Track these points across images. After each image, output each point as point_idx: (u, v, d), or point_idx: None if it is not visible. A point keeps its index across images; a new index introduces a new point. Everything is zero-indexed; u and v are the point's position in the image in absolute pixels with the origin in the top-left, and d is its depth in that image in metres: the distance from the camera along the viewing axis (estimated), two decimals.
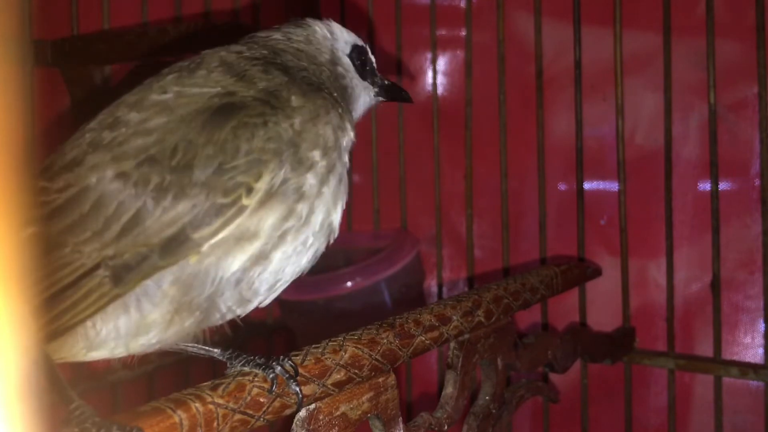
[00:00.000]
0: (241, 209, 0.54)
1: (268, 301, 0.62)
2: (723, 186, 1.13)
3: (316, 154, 0.59)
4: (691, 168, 1.18)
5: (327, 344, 0.65)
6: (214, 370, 0.82)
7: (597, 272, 1.08)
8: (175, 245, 0.53)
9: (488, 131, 1.27)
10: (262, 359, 0.60)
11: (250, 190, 0.54)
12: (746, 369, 1.09)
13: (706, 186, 1.14)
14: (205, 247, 0.53)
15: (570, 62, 1.19)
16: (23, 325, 0.28)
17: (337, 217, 0.62)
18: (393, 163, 1.37)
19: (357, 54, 0.71)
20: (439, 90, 1.35)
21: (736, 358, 1.15)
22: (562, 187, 1.27)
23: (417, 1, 1.35)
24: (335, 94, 0.66)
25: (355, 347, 0.66)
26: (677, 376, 1.15)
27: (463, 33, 1.29)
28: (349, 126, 0.65)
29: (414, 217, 1.38)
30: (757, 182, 1.12)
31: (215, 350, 0.63)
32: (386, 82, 0.75)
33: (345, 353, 0.65)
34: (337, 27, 0.71)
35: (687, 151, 1.18)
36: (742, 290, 1.15)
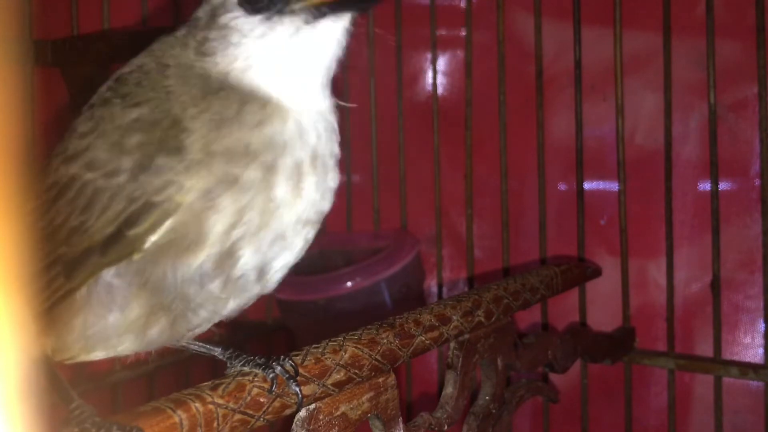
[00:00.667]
0: (175, 208, 0.54)
1: (267, 290, 0.62)
2: (723, 186, 1.13)
3: (239, 166, 0.55)
4: (691, 168, 1.18)
5: (327, 344, 0.65)
6: (214, 370, 0.82)
7: (597, 272, 1.08)
8: (114, 243, 0.54)
9: (488, 131, 1.27)
10: (262, 359, 0.60)
11: (182, 190, 0.54)
12: (746, 369, 1.09)
13: (706, 186, 1.14)
14: (147, 245, 0.54)
15: (570, 62, 1.19)
16: (23, 325, 0.28)
17: (307, 208, 0.59)
18: (393, 163, 1.37)
19: None
20: (439, 90, 1.35)
21: (736, 358, 1.15)
22: (562, 187, 1.27)
23: (417, 1, 1.35)
24: (235, 68, 0.57)
25: (355, 347, 0.66)
26: (677, 376, 1.15)
27: (463, 33, 1.29)
28: (264, 110, 0.57)
29: (414, 217, 1.38)
30: (757, 182, 1.12)
31: (216, 349, 0.64)
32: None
33: (345, 353, 0.65)
34: None
35: (687, 151, 1.18)
36: (742, 290, 1.15)
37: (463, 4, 1.30)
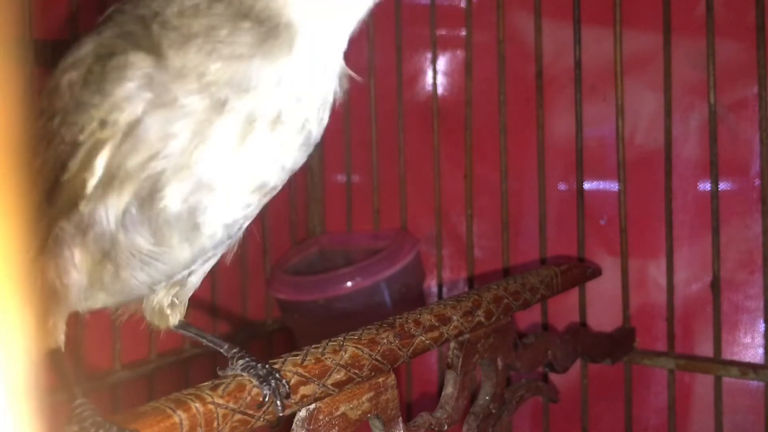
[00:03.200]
0: (99, 144, 0.51)
1: (213, 243, 0.57)
2: (723, 186, 1.13)
3: (184, 91, 0.50)
4: (691, 168, 1.18)
5: (327, 344, 0.65)
6: (214, 370, 0.82)
7: (597, 272, 1.08)
8: (56, 191, 0.53)
9: (488, 131, 1.27)
10: (264, 369, 0.59)
11: (105, 124, 0.50)
12: (746, 369, 1.09)
13: (706, 186, 1.14)
14: (89, 190, 0.52)
15: (570, 62, 1.19)
16: (25, 323, 0.28)
17: (246, 166, 0.52)
18: (393, 163, 1.37)
19: None
20: (439, 90, 1.35)
21: (736, 358, 1.15)
22: (562, 187, 1.27)
23: (417, 1, 1.35)
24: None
25: (355, 347, 0.66)
26: (677, 376, 1.15)
27: (463, 33, 1.29)
28: (292, 48, 0.52)
29: (414, 217, 1.38)
30: (757, 182, 1.12)
31: (224, 345, 0.64)
32: None
33: (345, 353, 0.65)
34: None
35: (687, 151, 1.18)
36: (742, 290, 1.15)
37: (463, 4, 1.30)
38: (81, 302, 0.58)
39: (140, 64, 0.50)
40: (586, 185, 1.20)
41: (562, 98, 1.24)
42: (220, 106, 0.50)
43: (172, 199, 0.52)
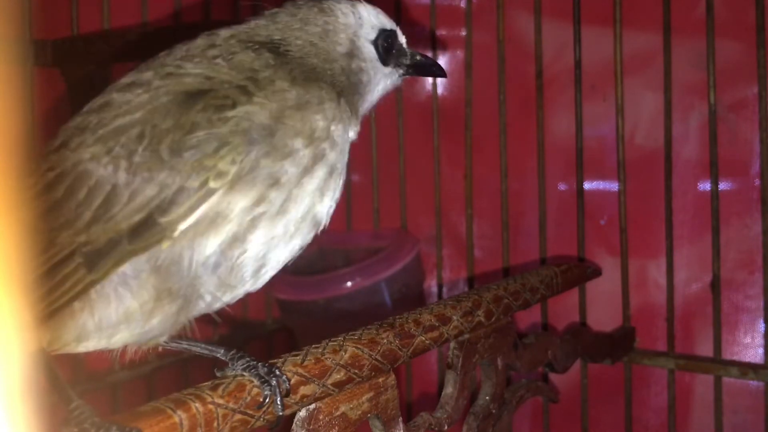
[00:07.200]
0: (209, 192, 0.53)
1: (256, 288, 0.61)
2: (723, 186, 1.13)
3: (298, 143, 0.57)
4: (691, 168, 1.18)
5: (327, 344, 0.65)
6: (214, 370, 0.82)
7: (597, 272, 1.08)
8: (144, 230, 0.53)
9: (488, 131, 1.27)
10: (265, 368, 0.59)
11: (218, 174, 0.53)
12: (746, 369, 1.09)
13: (706, 186, 1.14)
14: (177, 233, 0.53)
15: (570, 62, 1.19)
16: (24, 324, 0.28)
17: (323, 209, 0.60)
18: (393, 163, 1.37)
19: (383, 39, 0.68)
20: (439, 90, 1.35)
21: (736, 358, 1.15)
22: (562, 187, 1.27)
23: (417, 1, 1.35)
24: (342, 87, 0.64)
25: (355, 347, 0.66)
26: (677, 376, 1.15)
27: (463, 33, 1.29)
28: (351, 120, 0.64)
29: (414, 217, 1.38)
30: (757, 182, 1.12)
31: (219, 350, 0.63)
32: (417, 59, 0.71)
33: (345, 353, 0.65)
34: (365, 9, 0.67)
35: (687, 151, 1.18)
36: (742, 290, 1.15)
37: (463, 4, 1.30)
38: (96, 333, 0.57)
39: (259, 117, 0.55)
40: (586, 185, 1.20)
41: (562, 98, 1.24)
42: (320, 157, 0.58)
43: (256, 242, 0.56)
